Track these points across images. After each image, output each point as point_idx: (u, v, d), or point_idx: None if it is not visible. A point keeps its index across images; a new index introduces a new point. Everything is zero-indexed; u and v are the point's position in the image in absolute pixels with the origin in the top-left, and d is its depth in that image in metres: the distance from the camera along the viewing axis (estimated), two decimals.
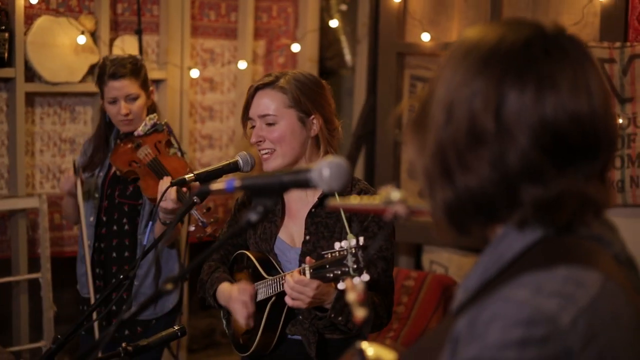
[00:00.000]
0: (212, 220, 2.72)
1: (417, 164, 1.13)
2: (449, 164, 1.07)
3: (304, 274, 2.21)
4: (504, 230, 1.09)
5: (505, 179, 1.04)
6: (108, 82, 3.29)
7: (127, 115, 3.29)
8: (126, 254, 3.39)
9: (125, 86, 3.28)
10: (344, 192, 2.31)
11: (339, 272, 2.11)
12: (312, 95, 2.42)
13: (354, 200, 1.43)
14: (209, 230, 2.70)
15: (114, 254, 3.41)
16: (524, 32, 1.08)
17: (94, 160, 3.46)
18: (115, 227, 3.40)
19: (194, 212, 2.80)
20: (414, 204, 1.23)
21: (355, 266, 2.08)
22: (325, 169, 1.22)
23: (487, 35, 1.09)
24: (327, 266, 2.14)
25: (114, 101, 3.30)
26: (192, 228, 2.70)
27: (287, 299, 2.26)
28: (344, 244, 2.11)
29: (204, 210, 2.65)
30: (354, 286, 1.30)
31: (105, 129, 3.46)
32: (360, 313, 1.29)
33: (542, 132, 1.03)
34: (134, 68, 3.32)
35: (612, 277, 1.02)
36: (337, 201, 1.57)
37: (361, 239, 2.10)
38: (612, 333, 0.99)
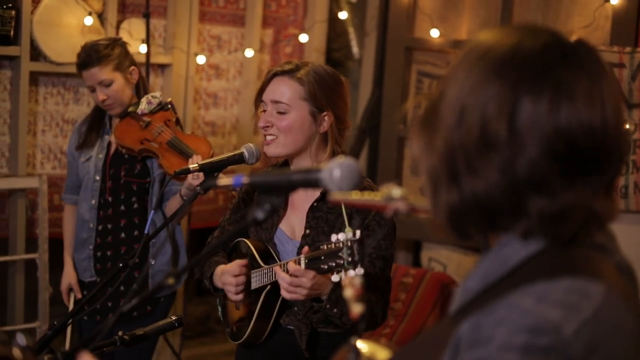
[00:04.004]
0: None
1: (422, 162, 1.11)
2: (457, 167, 1.06)
3: (299, 264, 2.21)
4: (507, 238, 1.07)
5: (513, 187, 1.03)
6: (81, 73, 3.34)
7: (104, 101, 3.32)
8: (135, 232, 3.38)
9: (94, 74, 3.29)
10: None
11: (334, 264, 2.10)
12: (328, 92, 2.40)
13: (356, 196, 1.43)
14: None
15: (123, 235, 3.38)
16: (541, 39, 1.06)
17: (88, 139, 3.44)
18: (122, 207, 3.38)
19: None
20: (415, 201, 1.23)
21: (350, 259, 2.07)
22: (337, 169, 1.20)
23: (503, 39, 1.07)
24: (322, 257, 2.13)
25: (93, 89, 3.34)
26: None
27: (284, 293, 2.25)
28: (340, 236, 2.11)
29: None
30: (351, 282, 1.29)
31: (101, 110, 3.46)
32: (356, 309, 1.29)
33: (555, 142, 1.01)
34: (101, 55, 3.28)
35: (615, 287, 1.02)
36: (339, 195, 1.56)
37: (358, 233, 2.09)
38: (614, 343, 0.99)
